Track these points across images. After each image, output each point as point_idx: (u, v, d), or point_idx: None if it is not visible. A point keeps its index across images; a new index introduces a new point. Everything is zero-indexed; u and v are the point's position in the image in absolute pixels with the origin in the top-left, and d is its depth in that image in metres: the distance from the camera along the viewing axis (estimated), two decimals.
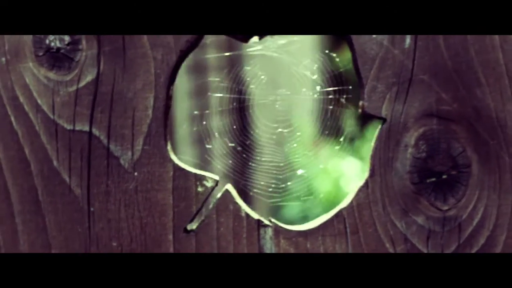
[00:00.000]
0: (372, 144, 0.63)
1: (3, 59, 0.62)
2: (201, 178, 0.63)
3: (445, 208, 0.63)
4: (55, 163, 0.62)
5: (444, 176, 0.63)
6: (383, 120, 0.63)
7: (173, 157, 0.63)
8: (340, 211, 0.64)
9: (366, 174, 0.63)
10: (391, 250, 0.63)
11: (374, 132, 0.64)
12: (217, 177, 0.63)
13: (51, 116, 0.62)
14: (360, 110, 0.63)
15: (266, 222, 0.64)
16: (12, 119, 0.62)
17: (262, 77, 1.43)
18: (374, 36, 0.62)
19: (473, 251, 0.63)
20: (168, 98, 0.63)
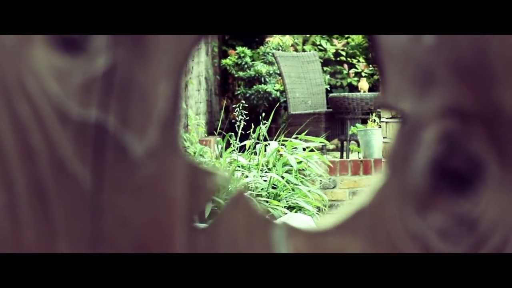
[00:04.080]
0: (392, 142, 0.65)
1: (11, 42, 0.62)
2: (212, 174, 0.64)
3: (462, 207, 0.65)
4: (64, 152, 0.63)
5: (462, 175, 0.64)
6: (403, 117, 0.64)
7: (185, 151, 0.64)
8: (358, 210, 0.65)
9: (385, 172, 0.65)
10: (408, 249, 0.65)
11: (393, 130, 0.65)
12: (229, 174, 0.65)
13: (61, 103, 0.62)
14: (381, 106, 0.65)
15: (279, 222, 0.65)
16: (20, 105, 0.62)
17: None
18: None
19: (488, 250, 0.65)
20: (182, 88, 0.64)
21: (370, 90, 9.09)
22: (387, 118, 5.81)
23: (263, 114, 6.15)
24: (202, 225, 0.64)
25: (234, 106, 7.26)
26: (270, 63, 9.23)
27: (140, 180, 0.63)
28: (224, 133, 5.78)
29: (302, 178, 5.40)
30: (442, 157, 0.65)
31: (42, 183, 0.63)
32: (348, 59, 10.06)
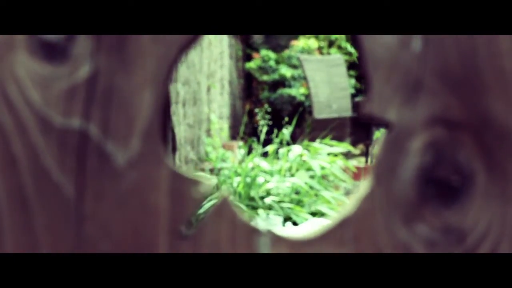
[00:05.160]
0: (378, 150, 0.65)
1: None
2: (197, 182, 0.65)
3: (449, 217, 0.65)
4: (46, 160, 0.64)
5: (449, 185, 0.65)
6: (389, 125, 0.65)
7: (169, 158, 0.65)
8: (344, 220, 0.65)
9: (371, 181, 0.65)
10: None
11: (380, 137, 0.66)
12: (213, 182, 0.65)
13: (43, 111, 0.63)
14: (366, 115, 0.65)
15: (264, 230, 0.65)
16: (1, 114, 0.63)
17: None
18: (383, 37, 0.64)
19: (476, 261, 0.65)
20: (166, 96, 0.65)
21: None
22: None
23: (287, 119, 6.15)
24: (185, 233, 0.65)
25: (257, 110, 7.28)
26: (295, 67, 9.23)
27: (123, 189, 0.64)
28: (248, 138, 5.78)
29: (326, 183, 5.39)
30: (429, 167, 0.65)
31: (24, 192, 0.64)
32: None
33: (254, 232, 0.65)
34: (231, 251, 0.65)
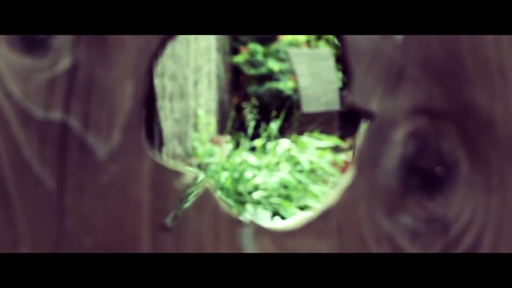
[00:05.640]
0: (359, 141, 0.66)
1: None
2: (180, 174, 0.65)
3: (432, 207, 0.65)
4: (26, 153, 0.64)
5: (432, 174, 0.65)
6: (372, 115, 0.65)
7: (151, 151, 0.65)
8: (326, 210, 0.66)
9: (353, 172, 0.66)
10: (376, 250, 0.65)
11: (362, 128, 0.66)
12: (196, 173, 0.65)
13: (24, 104, 0.64)
14: (348, 106, 0.66)
15: (247, 221, 0.66)
16: None
17: None
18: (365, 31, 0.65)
19: (459, 251, 0.66)
20: (148, 88, 0.65)
21: None
22: None
23: (275, 113, 6.15)
24: (168, 225, 0.65)
25: (245, 104, 7.28)
26: (283, 60, 9.23)
27: (105, 182, 0.64)
28: (235, 132, 5.78)
29: (314, 178, 5.39)
30: (412, 157, 0.65)
31: (5, 185, 0.64)
32: None
33: (237, 223, 0.66)
34: (213, 243, 0.65)
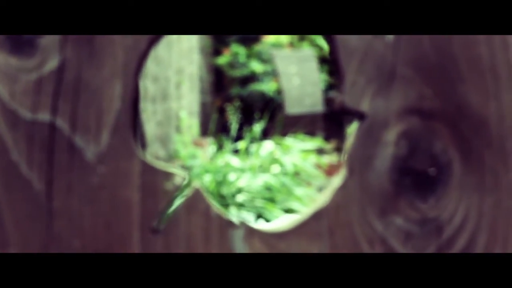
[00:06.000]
0: (351, 141, 0.66)
1: None
2: (169, 175, 0.65)
3: (425, 208, 0.65)
4: (13, 155, 0.63)
5: (425, 175, 0.65)
6: (363, 116, 0.65)
7: (140, 151, 0.65)
8: (318, 212, 0.66)
9: (344, 173, 0.65)
10: (368, 252, 0.65)
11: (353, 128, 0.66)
12: (186, 174, 0.65)
13: (11, 105, 0.63)
14: (339, 106, 0.65)
15: (238, 222, 0.65)
16: None
17: None
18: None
19: (453, 252, 0.66)
20: (137, 87, 0.64)
21: None
22: None
23: (258, 114, 6.14)
24: (158, 227, 0.65)
25: (228, 106, 7.26)
26: (266, 62, 9.22)
27: (94, 184, 0.64)
28: (218, 135, 5.77)
29: (298, 180, 5.38)
30: (404, 157, 0.65)
31: None
32: None
33: (228, 224, 0.65)
34: (204, 244, 0.65)
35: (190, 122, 7.11)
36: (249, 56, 9.57)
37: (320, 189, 6.34)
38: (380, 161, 0.65)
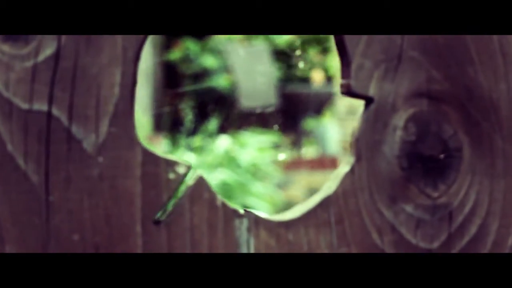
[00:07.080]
0: (358, 125, 0.65)
1: None
2: (172, 164, 0.63)
3: (435, 195, 0.65)
4: (9, 146, 0.61)
5: (434, 161, 0.65)
6: (370, 100, 0.64)
7: (141, 140, 0.63)
8: (324, 199, 0.65)
9: (352, 159, 0.65)
10: (378, 241, 0.65)
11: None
12: (189, 163, 0.64)
13: (5, 94, 0.61)
14: (345, 90, 0.65)
15: (243, 212, 0.64)
16: None
17: None
18: None
19: (464, 240, 0.65)
20: (136, 74, 0.63)
21: (323, 82, 9.11)
22: (345, 115, 5.80)
23: (212, 110, 6.13)
24: (161, 218, 0.63)
25: (181, 102, 7.24)
26: (219, 56, 9.21)
27: (93, 174, 0.62)
28: (172, 131, 5.75)
29: (254, 176, 5.39)
30: (413, 142, 0.65)
31: None
32: (301, 51, 10.06)
33: (233, 213, 0.64)
34: (209, 235, 0.64)
35: (143, 118, 7.08)
36: (202, 51, 9.55)
37: (277, 184, 6.35)
38: (389, 146, 0.64)
